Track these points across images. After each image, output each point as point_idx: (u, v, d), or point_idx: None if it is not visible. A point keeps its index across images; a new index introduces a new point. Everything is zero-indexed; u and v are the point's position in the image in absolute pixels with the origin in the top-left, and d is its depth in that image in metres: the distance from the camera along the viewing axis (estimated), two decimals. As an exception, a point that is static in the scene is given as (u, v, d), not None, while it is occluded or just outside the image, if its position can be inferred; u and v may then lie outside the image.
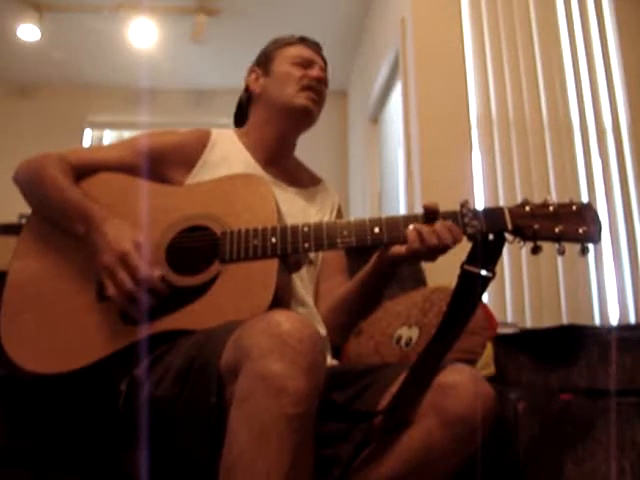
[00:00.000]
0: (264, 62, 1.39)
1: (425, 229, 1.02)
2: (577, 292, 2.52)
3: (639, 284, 2.55)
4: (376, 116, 3.83)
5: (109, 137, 5.00)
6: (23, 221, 1.26)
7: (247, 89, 1.41)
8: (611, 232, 2.60)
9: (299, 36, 1.40)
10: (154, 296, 1.03)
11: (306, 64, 1.35)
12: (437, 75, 2.73)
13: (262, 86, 1.36)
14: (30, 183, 1.21)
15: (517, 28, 2.80)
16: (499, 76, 2.74)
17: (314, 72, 1.34)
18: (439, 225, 1.02)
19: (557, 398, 1.46)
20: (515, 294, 2.51)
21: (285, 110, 1.32)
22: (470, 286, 1.00)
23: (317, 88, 1.34)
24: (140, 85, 4.43)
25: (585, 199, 2.55)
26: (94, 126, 4.92)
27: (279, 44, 1.39)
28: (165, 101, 4.76)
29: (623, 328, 2.11)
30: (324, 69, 1.38)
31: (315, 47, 1.40)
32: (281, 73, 1.34)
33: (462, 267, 1.01)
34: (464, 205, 1.05)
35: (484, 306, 1.60)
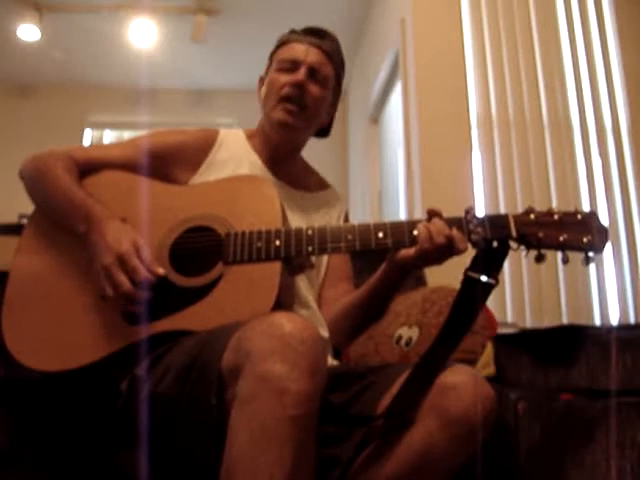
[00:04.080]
0: (268, 67, 1.33)
1: (433, 228, 1.02)
2: (577, 292, 2.52)
3: (639, 284, 2.55)
4: (376, 116, 3.82)
5: (109, 137, 5.00)
6: (23, 221, 1.26)
7: None
8: (611, 232, 2.59)
9: (296, 29, 1.30)
10: (155, 296, 1.02)
11: (293, 67, 1.25)
12: (437, 75, 2.73)
13: (262, 94, 1.32)
14: (34, 180, 1.20)
15: (517, 28, 2.80)
16: (499, 76, 2.74)
17: (296, 76, 1.23)
18: (454, 230, 1.02)
19: (557, 398, 1.46)
20: (515, 294, 2.51)
21: (269, 124, 1.29)
22: (473, 292, 1.01)
23: (295, 95, 1.23)
24: (140, 85, 4.43)
25: (585, 199, 2.55)
26: (94, 126, 4.92)
27: (277, 44, 1.32)
28: (165, 101, 4.76)
29: (623, 328, 2.12)
30: (316, 64, 1.24)
31: (311, 38, 1.27)
32: (268, 83, 1.29)
33: (465, 273, 1.02)
34: (469, 212, 1.04)
35: (484, 306, 1.60)
